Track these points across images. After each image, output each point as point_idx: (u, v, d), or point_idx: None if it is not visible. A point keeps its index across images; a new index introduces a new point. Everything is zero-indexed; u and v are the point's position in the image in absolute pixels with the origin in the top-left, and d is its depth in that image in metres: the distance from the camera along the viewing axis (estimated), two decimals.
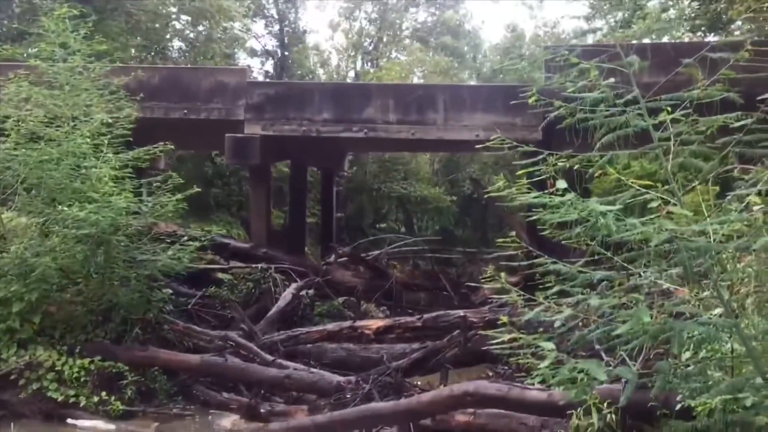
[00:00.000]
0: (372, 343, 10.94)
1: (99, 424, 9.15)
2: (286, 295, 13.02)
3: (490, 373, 9.37)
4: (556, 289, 4.81)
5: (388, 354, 10.19)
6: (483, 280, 5.47)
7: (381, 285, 14.77)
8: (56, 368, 9.53)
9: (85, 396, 9.44)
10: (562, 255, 5.20)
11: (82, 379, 9.56)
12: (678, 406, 5.11)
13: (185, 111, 15.39)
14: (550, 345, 4.35)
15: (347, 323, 11.52)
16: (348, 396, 9.03)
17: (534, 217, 4.50)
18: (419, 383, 9.61)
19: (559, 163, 4.67)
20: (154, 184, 11.60)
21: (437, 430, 8.05)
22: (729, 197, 4.74)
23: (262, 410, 9.56)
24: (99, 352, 9.95)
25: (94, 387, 9.59)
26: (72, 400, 9.41)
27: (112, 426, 9.12)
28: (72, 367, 9.56)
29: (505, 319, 4.90)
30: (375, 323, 11.45)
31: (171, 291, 11.87)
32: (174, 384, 10.41)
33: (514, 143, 4.96)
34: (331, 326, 11.51)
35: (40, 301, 9.89)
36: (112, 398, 9.52)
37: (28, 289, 9.74)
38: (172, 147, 11.67)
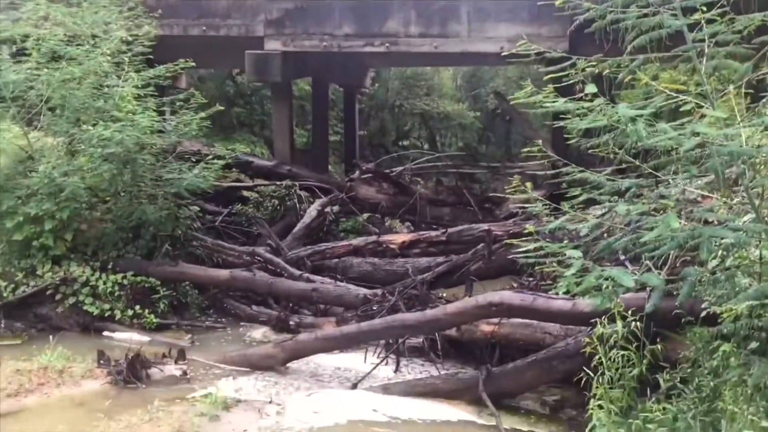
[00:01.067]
0: (397, 258, 11.07)
1: (134, 336, 9.44)
2: (311, 212, 13.12)
3: (515, 285, 9.46)
4: (583, 197, 4.79)
5: (413, 268, 10.32)
6: (508, 191, 5.46)
7: (405, 201, 14.83)
8: (90, 283, 9.80)
9: (119, 309, 9.74)
10: (588, 167, 5.15)
11: (116, 294, 9.83)
12: (703, 313, 5.16)
13: (204, 28, 15.15)
14: (577, 253, 4.36)
15: (372, 238, 11.64)
16: (374, 308, 9.23)
17: (561, 124, 4.43)
18: (444, 295, 9.77)
19: (587, 69, 4.55)
20: (177, 103, 11.57)
21: (462, 339, 8.26)
22: (764, 100, 4.62)
23: (291, 322, 9.84)
24: (131, 267, 10.19)
25: (128, 301, 9.87)
26: (107, 313, 9.71)
27: (147, 338, 9.41)
28: (106, 283, 9.82)
29: (531, 228, 4.89)
30: (400, 238, 11.55)
31: (198, 209, 12.03)
32: (205, 298, 10.70)
33: (542, 49, 4.84)
34: (356, 241, 11.63)
35: (71, 219, 10.07)
36: (146, 312, 9.80)
37: (59, 207, 9.90)
38: (193, 64, 11.57)
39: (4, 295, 9.68)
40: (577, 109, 4.35)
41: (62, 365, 7.85)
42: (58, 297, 9.73)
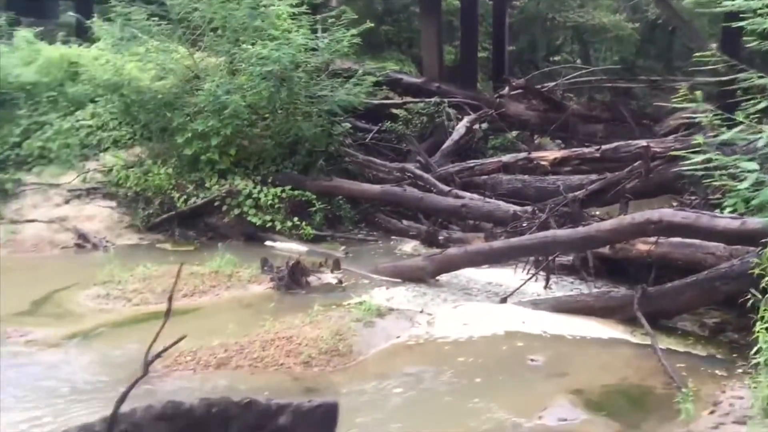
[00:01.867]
0: (547, 175, 10.83)
1: (293, 246, 10.02)
2: (460, 128, 13.05)
3: (675, 204, 9.00)
4: (762, 105, 4.43)
5: (565, 185, 10.06)
6: (674, 101, 5.14)
7: (556, 118, 14.35)
8: (253, 196, 10.45)
9: (279, 221, 10.34)
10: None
11: (276, 206, 10.44)
12: None
13: None
14: (752, 165, 4.07)
15: (522, 154, 11.44)
16: (524, 225, 9.14)
17: (741, 24, 4.07)
18: (598, 213, 9.50)
19: None
20: (329, 21, 11.75)
21: (616, 258, 8.04)
22: None
23: (439, 237, 10.00)
24: (289, 182, 10.73)
25: (286, 213, 10.45)
26: (268, 224, 10.35)
27: (304, 248, 9.95)
28: (266, 195, 10.43)
29: (700, 139, 4.60)
30: (551, 154, 11.26)
31: (350, 125, 12.33)
32: (357, 212, 11.10)
33: None
34: (506, 157, 11.47)
35: (234, 135, 10.70)
36: (303, 223, 10.34)
37: (223, 124, 10.53)
38: None
39: (178, 205, 10.55)
40: (760, 7, 3.97)
41: (230, 270, 8.47)
42: (224, 208, 10.47)
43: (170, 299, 4.07)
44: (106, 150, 11.30)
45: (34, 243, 9.91)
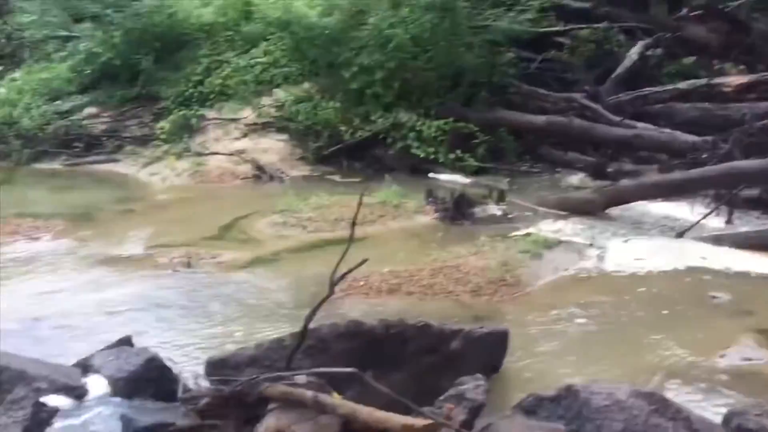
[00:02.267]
0: (731, 103, 10.03)
1: (456, 178, 10.06)
2: (631, 55, 12.24)
3: None
4: None
5: (752, 113, 9.27)
6: None
7: (740, 40, 13.08)
8: (416, 128, 10.53)
9: (442, 153, 10.38)
10: None
11: (439, 139, 10.47)
12: None
13: None
14: None
15: (702, 81, 10.63)
16: (704, 156, 8.59)
17: None
18: None
19: None
20: None
21: None
22: None
23: (608, 169, 9.63)
24: (451, 113, 10.70)
25: (449, 146, 10.46)
26: (432, 156, 10.41)
27: (468, 180, 9.97)
28: (430, 128, 10.48)
29: None
30: (736, 80, 10.38)
31: (513, 55, 12.00)
32: (520, 144, 10.90)
33: None
34: (683, 85, 10.70)
35: (398, 69, 10.78)
36: (466, 156, 10.33)
37: (387, 58, 10.64)
38: None
39: (345, 138, 10.89)
40: None
41: (397, 201, 8.67)
42: (389, 141, 10.67)
43: (353, 225, 4.29)
44: (278, 86, 11.79)
45: (217, 174, 10.68)
